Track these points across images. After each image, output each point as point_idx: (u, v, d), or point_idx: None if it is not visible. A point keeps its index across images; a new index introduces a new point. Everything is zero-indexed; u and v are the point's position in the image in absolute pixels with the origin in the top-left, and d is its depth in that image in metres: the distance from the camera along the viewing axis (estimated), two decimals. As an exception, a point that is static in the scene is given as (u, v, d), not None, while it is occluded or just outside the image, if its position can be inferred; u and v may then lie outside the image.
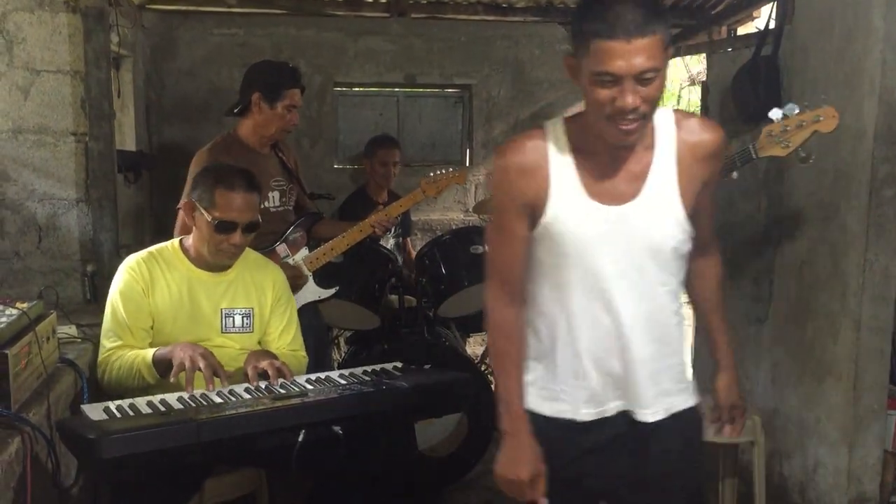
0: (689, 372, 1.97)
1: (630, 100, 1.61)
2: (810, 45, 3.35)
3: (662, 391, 1.85)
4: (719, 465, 3.09)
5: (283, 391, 2.42)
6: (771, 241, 3.63)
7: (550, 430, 1.86)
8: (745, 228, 3.80)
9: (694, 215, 1.80)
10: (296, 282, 3.32)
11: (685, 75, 8.25)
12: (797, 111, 2.43)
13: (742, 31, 5.21)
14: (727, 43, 4.88)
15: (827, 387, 3.21)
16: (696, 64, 7.63)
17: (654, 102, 1.66)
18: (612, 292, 1.78)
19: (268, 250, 3.28)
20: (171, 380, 2.38)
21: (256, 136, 3.32)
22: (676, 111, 1.84)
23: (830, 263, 3.18)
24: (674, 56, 5.85)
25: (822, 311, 3.23)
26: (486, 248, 1.96)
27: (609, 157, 1.76)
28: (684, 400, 1.89)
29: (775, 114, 2.45)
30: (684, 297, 1.95)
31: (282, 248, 3.37)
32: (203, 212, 2.58)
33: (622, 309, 1.79)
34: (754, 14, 5.06)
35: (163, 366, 2.45)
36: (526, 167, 1.77)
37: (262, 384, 2.45)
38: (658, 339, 1.83)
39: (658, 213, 1.77)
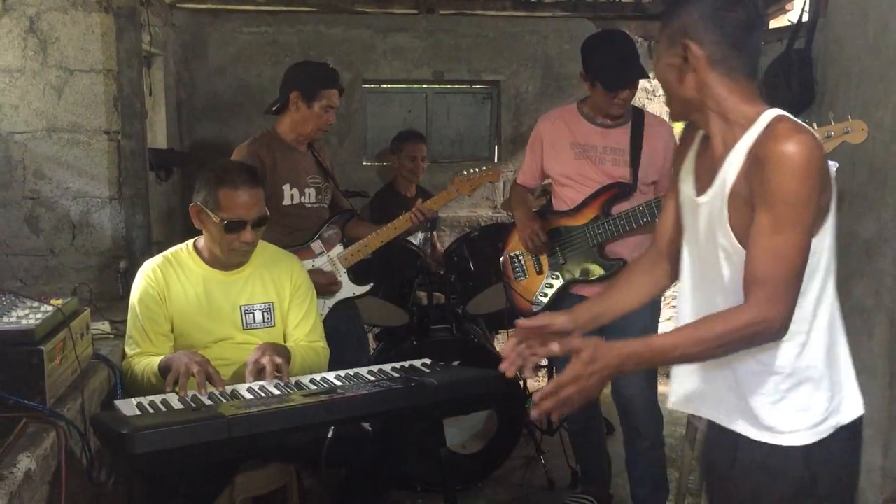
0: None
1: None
2: (844, 38, 3.30)
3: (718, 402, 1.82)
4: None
5: (313, 387, 2.43)
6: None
7: None
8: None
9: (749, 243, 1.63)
10: (331, 288, 3.34)
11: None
12: (829, 121, 2.42)
13: (774, 24, 5.13)
14: (759, 36, 4.81)
15: (861, 384, 3.16)
16: (727, 58, 7.54)
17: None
18: (684, 283, 1.84)
19: (303, 247, 3.31)
20: (167, 389, 2.36)
21: (294, 134, 3.36)
22: (781, 115, 1.67)
23: (864, 260, 3.13)
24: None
25: (856, 307, 3.19)
26: None
27: (705, 149, 1.79)
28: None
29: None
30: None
31: (316, 245, 3.39)
32: (210, 214, 2.58)
33: (684, 302, 1.83)
34: (787, 7, 4.98)
35: (167, 373, 2.46)
36: (685, 148, 1.88)
37: (256, 385, 2.43)
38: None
39: (714, 213, 1.70)
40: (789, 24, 4.24)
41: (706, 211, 1.72)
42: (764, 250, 1.57)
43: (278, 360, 2.49)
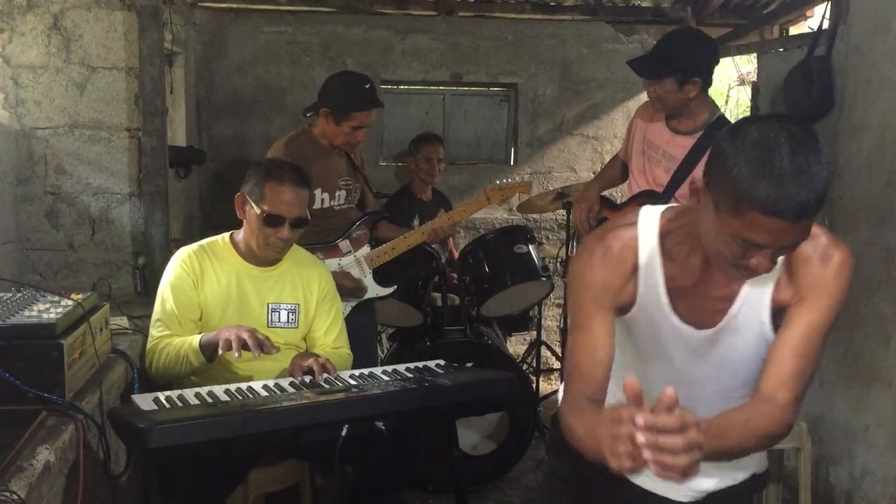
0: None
1: (765, 266, 1.47)
2: (865, 46, 3.29)
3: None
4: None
5: (327, 386, 2.45)
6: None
7: None
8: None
9: (775, 337, 1.62)
10: (357, 294, 3.36)
11: (735, 75, 8.12)
12: None
13: (794, 30, 5.12)
14: (779, 43, 4.80)
15: (876, 393, 3.15)
16: (746, 63, 7.51)
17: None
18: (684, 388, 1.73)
19: (330, 245, 3.33)
20: (221, 352, 2.44)
21: (326, 141, 3.38)
22: None
23: (882, 267, 3.12)
24: (724, 56, 5.78)
25: (872, 315, 3.17)
26: (568, 351, 1.75)
27: (699, 273, 1.64)
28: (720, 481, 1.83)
29: None
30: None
31: (344, 244, 3.41)
32: (253, 205, 2.62)
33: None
34: (807, 13, 4.97)
35: (209, 349, 2.50)
36: (621, 269, 1.66)
37: (308, 378, 2.49)
38: None
39: (743, 338, 1.65)
40: (810, 31, 4.23)
41: (727, 336, 1.66)
42: (810, 355, 1.59)
43: (322, 359, 2.57)
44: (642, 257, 1.66)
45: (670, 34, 3.15)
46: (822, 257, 1.58)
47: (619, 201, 3.29)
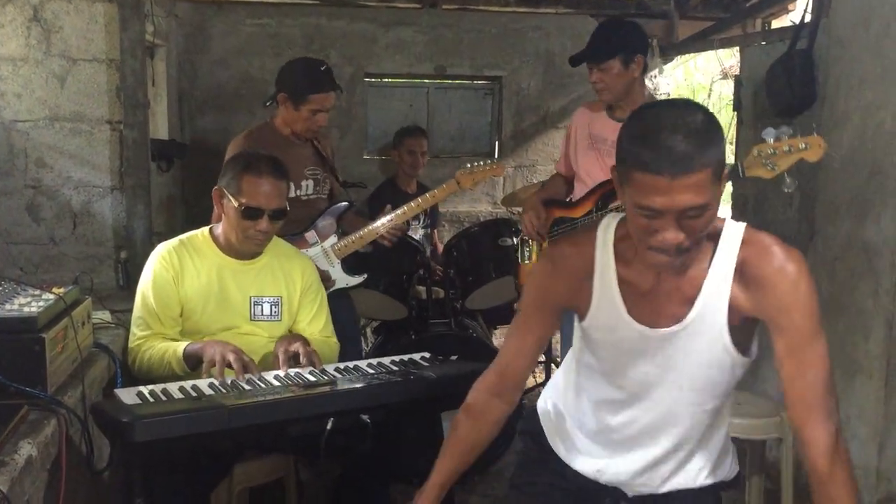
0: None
1: (671, 236, 1.50)
2: (846, 40, 3.31)
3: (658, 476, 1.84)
4: (745, 462, 3.08)
5: (312, 379, 2.44)
6: (803, 237, 3.59)
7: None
8: (778, 224, 3.77)
9: (778, 366, 1.64)
10: (325, 285, 3.34)
11: (717, 69, 8.16)
12: (788, 135, 2.39)
13: (776, 24, 5.15)
14: (761, 36, 4.82)
15: (857, 385, 3.18)
16: (729, 57, 7.54)
17: (700, 235, 1.54)
18: (632, 397, 1.77)
19: (297, 236, 3.31)
20: (203, 375, 2.42)
21: (288, 129, 3.35)
22: (749, 228, 1.64)
23: (864, 261, 3.14)
24: (707, 49, 5.80)
25: (854, 308, 3.20)
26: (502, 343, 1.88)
27: (655, 276, 1.66)
28: (685, 480, 1.84)
29: (768, 133, 2.41)
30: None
31: (311, 235, 3.38)
32: (231, 198, 2.60)
33: (631, 414, 1.78)
34: (789, 7, 4.99)
35: (193, 360, 2.49)
36: (573, 275, 1.73)
37: (292, 371, 2.48)
38: (671, 443, 1.80)
39: (701, 342, 1.66)
40: (792, 24, 4.26)
41: (683, 339, 1.67)
42: (814, 364, 1.61)
43: (308, 346, 2.55)
44: (597, 262, 1.71)
45: (603, 24, 3.22)
46: (779, 273, 1.58)
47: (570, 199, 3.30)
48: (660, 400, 1.75)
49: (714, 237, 1.62)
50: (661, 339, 1.68)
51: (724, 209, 3.33)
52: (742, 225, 1.65)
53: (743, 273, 1.61)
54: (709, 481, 1.85)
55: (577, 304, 1.75)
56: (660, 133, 1.46)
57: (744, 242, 1.61)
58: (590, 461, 1.89)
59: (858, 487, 2.85)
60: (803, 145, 2.38)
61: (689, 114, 1.49)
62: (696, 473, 1.84)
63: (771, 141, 2.39)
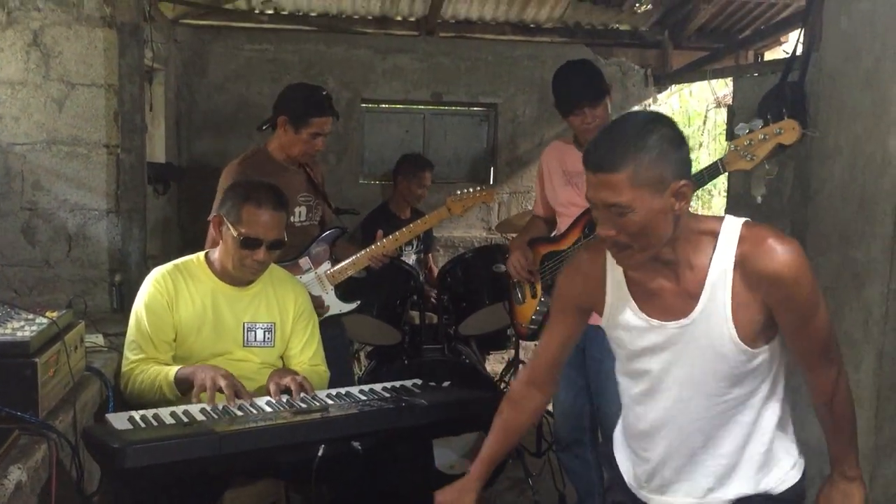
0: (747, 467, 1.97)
1: (602, 231, 1.69)
2: (837, 72, 3.35)
3: (696, 487, 1.91)
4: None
5: (303, 405, 2.45)
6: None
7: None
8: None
9: (782, 332, 1.77)
10: (318, 312, 3.34)
11: (711, 98, 8.24)
12: (760, 125, 2.44)
13: (769, 55, 5.21)
14: (754, 67, 4.88)
15: (848, 415, 3.18)
16: (722, 87, 7.62)
17: (636, 235, 1.66)
18: (658, 392, 1.86)
19: (290, 262, 3.31)
20: (193, 400, 2.42)
21: (283, 155, 3.36)
22: (747, 224, 1.74)
23: (853, 291, 3.16)
24: (700, 79, 5.85)
25: (844, 338, 3.21)
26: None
27: (655, 274, 1.78)
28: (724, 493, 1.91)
29: (741, 129, 2.46)
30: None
31: (304, 261, 3.39)
32: (230, 226, 2.62)
33: (659, 411, 1.88)
34: (782, 39, 5.06)
35: (185, 385, 2.49)
36: (587, 278, 1.90)
37: (284, 398, 2.48)
38: (702, 441, 1.87)
39: (710, 334, 1.75)
40: (785, 55, 4.31)
41: (693, 331, 1.76)
42: (813, 339, 1.77)
43: (299, 378, 2.55)
44: (608, 264, 1.86)
45: (579, 69, 3.21)
46: (778, 267, 1.67)
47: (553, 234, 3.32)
48: (678, 391, 1.83)
49: (714, 235, 1.73)
50: (672, 333, 1.78)
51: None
52: (741, 221, 1.74)
53: (743, 267, 1.70)
54: (746, 490, 1.92)
55: (594, 304, 1.91)
56: (600, 135, 1.68)
57: (742, 238, 1.71)
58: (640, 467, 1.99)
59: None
60: (778, 130, 2.42)
61: (633, 125, 1.67)
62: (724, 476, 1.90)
63: (744, 134, 2.43)
